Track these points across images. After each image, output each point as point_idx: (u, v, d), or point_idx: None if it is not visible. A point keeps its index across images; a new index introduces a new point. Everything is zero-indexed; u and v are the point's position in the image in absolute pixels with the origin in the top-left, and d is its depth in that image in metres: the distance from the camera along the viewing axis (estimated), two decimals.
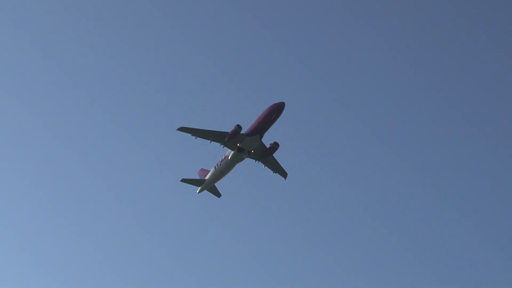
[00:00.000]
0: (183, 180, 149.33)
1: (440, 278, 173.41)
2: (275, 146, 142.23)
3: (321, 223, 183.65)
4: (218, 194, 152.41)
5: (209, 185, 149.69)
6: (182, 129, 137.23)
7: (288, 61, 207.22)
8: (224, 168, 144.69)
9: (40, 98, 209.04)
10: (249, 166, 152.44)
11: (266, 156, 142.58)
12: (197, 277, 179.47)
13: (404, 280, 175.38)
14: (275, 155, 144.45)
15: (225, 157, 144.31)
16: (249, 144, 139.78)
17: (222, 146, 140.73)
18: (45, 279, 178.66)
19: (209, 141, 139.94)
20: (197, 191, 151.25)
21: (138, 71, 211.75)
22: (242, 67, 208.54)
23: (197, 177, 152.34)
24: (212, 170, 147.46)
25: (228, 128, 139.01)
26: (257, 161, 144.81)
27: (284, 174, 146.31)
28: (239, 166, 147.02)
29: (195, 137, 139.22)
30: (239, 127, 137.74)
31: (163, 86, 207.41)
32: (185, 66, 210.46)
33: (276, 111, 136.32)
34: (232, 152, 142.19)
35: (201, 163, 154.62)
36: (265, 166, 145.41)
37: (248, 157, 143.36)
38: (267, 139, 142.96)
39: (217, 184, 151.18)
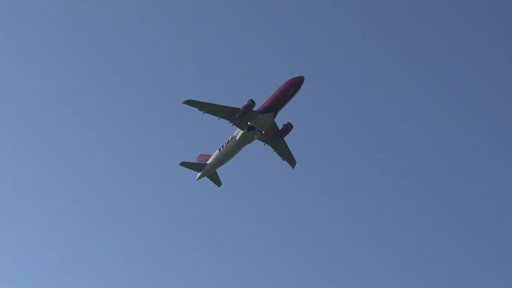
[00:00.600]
0: (183, 164, 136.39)
1: (440, 278, 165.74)
2: (288, 127, 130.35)
3: (327, 220, 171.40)
4: (218, 183, 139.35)
5: (210, 171, 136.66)
6: (189, 102, 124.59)
7: (306, 35, 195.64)
8: (231, 150, 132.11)
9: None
10: (256, 150, 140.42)
11: (278, 138, 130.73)
12: (195, 273, 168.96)
13: (405, 280, 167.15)
14: (286, 138, 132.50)
15: (232, 138, 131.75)
16: (261, 122, 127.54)
17: (231, 124, 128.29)
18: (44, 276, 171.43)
19: (218, 117, 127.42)
20: (197, 177, 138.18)
21: (140, 42, 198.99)
22: (255, 42, 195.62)
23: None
24: (216, 152, 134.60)
25: (239, 105, 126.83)
26: (266, 144, 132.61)
27: (293, 162, 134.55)
28: (245, 150, 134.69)
29: (202, 112, 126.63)
30: (252, 102, 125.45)
31: (170, 63, 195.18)
32: (192, 41, 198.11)
33: (294, 85, 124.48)
34: (242, 131, 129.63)
35: (204, 146, 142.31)
36: (274, 151, 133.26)
37: (258, 139, 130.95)
38: (279, 121, 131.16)
39: (219, 170, 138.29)
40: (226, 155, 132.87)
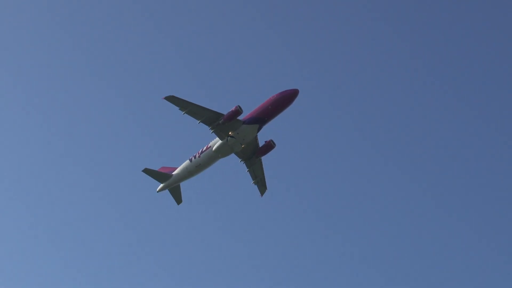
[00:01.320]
0: (146, 171, 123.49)
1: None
2: (271, 144, 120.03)
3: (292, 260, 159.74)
4: (179, 199, 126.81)
5: (175, 183, 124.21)
6: (171, 98, 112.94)
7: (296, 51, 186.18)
8: (204, 162, 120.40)
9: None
10: (229, 167, 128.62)
11: (257, 156, 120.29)
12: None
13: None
14: (265, 158, 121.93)
15: (207, 148, 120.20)
16: (244, 134, 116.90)
17: (211, 131, 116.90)
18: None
19: (198, 121, 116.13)
20: (158, 189, 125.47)
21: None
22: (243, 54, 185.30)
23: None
24: (186, 163, 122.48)
25: (222, 112, 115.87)
26: (241, 161, 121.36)
27: (263, 188, 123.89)
28: (217, 164, 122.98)
29: (183, 112, 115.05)
30: (240, 109, 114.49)
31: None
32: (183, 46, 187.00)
33: (287, 99, 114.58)
34: (220, 141, 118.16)
35: (176, 153, 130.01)
36: (248, 171, 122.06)
37: (235, 152, 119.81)
38: (261, 137, 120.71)
39: (184, 185, 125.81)
40: (198, 167, 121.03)
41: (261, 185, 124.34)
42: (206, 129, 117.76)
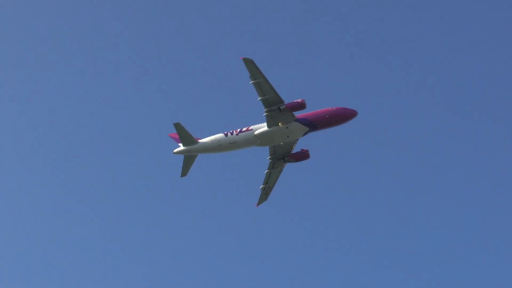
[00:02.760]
0: (177, 125, 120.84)
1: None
2: (307, 154, 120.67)
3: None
4: (185, 171, 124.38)
5: (195, 152, 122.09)
6: (249, 62, 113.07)
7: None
8: (239, 141, 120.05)
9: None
10: (254, 157, 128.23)
11: (289, 159, 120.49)
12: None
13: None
14: (288, 169, 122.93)
15: (248, 130, 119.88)
16: (293, 130, 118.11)
17: (265, 113, 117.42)
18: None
19: (259, 97, 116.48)
20: (175, 151, 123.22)
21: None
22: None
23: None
24: (219, 135, 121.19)
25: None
26: (270, 158, 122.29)
27: (263, 198, 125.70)
28: (242, 153, 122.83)
29: (251, 81, 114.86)
30: (305, 103, 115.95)
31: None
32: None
33: (346, 117, 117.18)
34: (266, 128, 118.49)
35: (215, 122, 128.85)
36: (266, 172, 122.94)
37: (273, 145, 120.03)
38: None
39: (201, 160, 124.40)
40: (232, 144, 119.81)
41: (264, 194, 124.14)
42: (258, 109, 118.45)
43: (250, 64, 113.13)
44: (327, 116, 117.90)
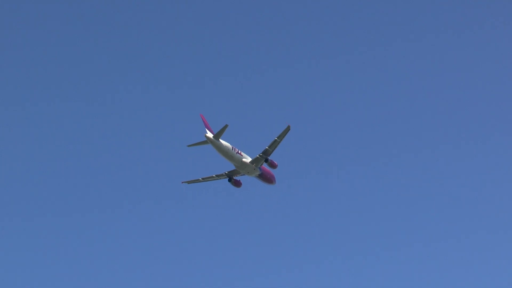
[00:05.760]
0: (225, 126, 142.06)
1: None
2: (239, 182, 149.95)
3: None
4: (192, 145, 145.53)
5: (215, 145, 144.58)
6: (288, 128, 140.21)
7: None
8: (233, 157, 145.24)
9: None
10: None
11: (229, 180, 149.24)
12: None
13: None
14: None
15: (240, 154, 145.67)
16: (255, 171, 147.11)
17: (259, 155, 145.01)
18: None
19: (267, 146, 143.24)
20: (207, 134, 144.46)
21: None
22: None
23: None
24: (230, 145, 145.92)
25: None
26: (226, 173, 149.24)
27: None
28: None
29: (276, 138, 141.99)
30: (277, 166, 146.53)
31: None
32: None
33: (271, 180, 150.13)
34: (247, 160, 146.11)
35: None
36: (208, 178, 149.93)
37: (241, 171, 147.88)
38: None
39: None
40: (231, 156, 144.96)
41: (195, 181, 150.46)
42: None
43: (287, 130, 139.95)
44: (268, 176, 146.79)
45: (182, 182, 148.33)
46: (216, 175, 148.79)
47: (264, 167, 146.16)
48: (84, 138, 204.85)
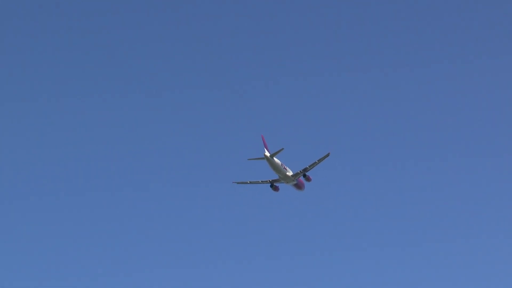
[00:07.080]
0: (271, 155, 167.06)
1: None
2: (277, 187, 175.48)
3: None
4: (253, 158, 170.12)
5: (271, 163, 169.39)
6: (327, 155, 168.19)
7: None
8: (280, 172, 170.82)
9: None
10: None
11: (271, 186, 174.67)
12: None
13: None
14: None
15: (286, 169, 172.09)
16: (293, 180, 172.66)
17: (300, 170, 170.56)
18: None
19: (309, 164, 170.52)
20: (268, 153, 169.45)
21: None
22: None
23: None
24: (279, 162, 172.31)
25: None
26: (270, 181, 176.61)
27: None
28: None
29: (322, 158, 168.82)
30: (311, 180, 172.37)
31: None
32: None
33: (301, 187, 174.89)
34: (290, 173, 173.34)
35: None
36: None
37: (283, 181, 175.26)
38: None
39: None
40: (278, 172, 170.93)
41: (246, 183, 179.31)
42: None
43: (326, 156, 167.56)
44: (300, 185, 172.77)
45: (233, 182, 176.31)
46: (262, 181, 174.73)
47: (299, 179, 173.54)
48: (144, 139, 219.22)
